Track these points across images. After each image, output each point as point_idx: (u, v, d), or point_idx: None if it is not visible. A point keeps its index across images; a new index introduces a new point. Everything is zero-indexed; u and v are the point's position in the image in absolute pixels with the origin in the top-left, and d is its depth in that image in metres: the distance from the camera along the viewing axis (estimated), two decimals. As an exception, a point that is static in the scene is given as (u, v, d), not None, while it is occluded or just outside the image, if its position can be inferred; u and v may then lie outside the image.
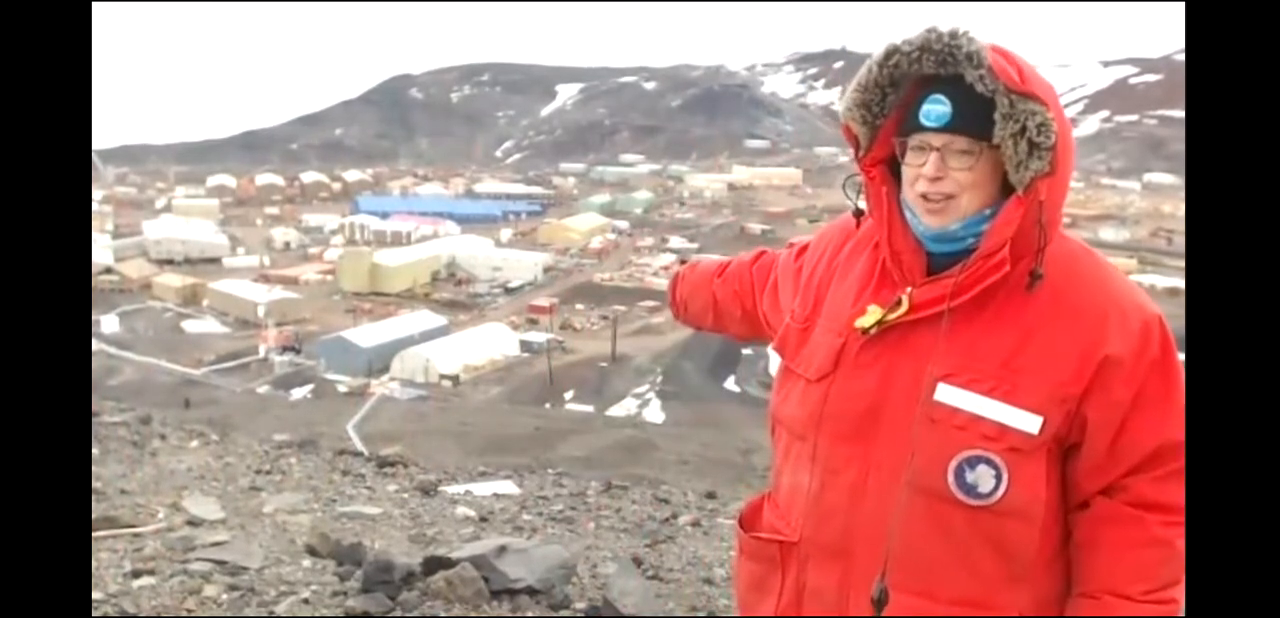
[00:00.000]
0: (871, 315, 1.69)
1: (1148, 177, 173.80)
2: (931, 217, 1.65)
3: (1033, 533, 1.62)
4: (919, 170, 1.64)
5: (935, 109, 1.61)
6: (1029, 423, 1.58)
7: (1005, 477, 1.59)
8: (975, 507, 1.60)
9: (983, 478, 1.60)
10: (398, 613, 3.88)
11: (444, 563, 4.13)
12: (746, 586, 1.90)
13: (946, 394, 1.61)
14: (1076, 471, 1.65)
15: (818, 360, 1.77)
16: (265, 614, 3.90)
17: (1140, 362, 1.60)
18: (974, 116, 1.60)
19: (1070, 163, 1.63)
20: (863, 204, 1.78)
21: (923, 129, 1.63)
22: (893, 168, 1.73)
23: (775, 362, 1.91)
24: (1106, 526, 1.62)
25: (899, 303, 1.67)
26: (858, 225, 1.82)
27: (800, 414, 1.78)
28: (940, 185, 1.62)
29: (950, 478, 1.60)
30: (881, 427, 1.66)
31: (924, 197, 1.64)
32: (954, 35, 1.61)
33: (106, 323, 73.74)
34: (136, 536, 4.82)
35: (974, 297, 1.62)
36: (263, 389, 57.56)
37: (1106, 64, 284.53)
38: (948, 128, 1.61)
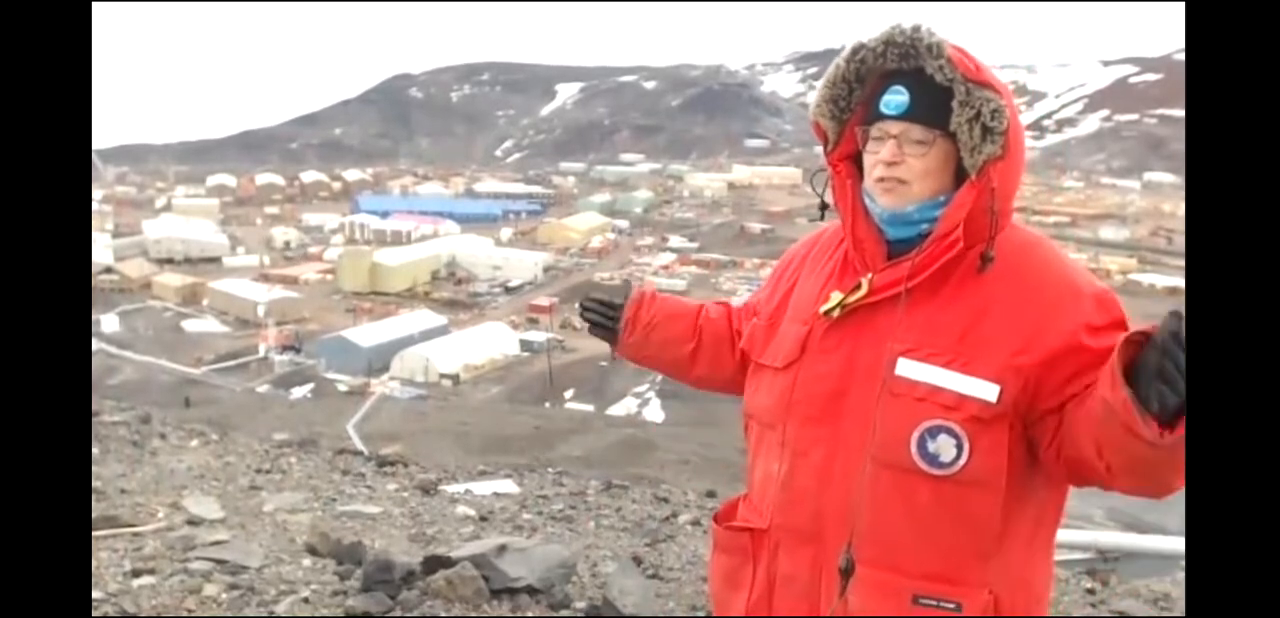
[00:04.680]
0: (833, 299, 1.77)
1: (1148, 176, 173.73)
2: (887, 196, 1.73)
3: (996, 503, 1.66)
4: (877, 157, 1.73)
5: (894, 99, 1.72)
6: (987, 392, 1.63)
7: (966, 446, 1.64)
8: (939, 477, 1.65)
9: (944, 448, 1.65)
10: (398, 613, 3.88)
11: (444, 562, 4.13)
12: (720, 581, 1.93)
13: (906, 368, 1.67)
14: (1049, 425, 1.65)
15: (785, 349, 1.84)
16: (265, 614, 3.89)
17: (1101, 328, 1.65)
18: (930, 107, 1.70)
19: (1021, 154, 1.72)
20: (829, 198, 1.86)
21: (882, 117, 1.72)
22: (857, 164, 1.82)
23: None
24: (1089, 396, 1.58)
25: (859, 286, 1.75)
26: (822, 216, 1.90)
27: (769, 402, 1.84)
28: (895, 170, 1.72)
29: (913, 449, 1.66)
30: (847, 407, 1.72)
31: (880, 180, 1.73)
32: (916, 30, 1.71)
33: (106, 323, 73.65)
34: (136, 535, 4.82)
35: (931, 279, 1.70)
36: (263, 389, 57.50)
37: (1106, 64, 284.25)
38: (905, 116, 1.71)
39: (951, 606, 1.65)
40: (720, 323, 2.22)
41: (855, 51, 1.76)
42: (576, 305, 2.34)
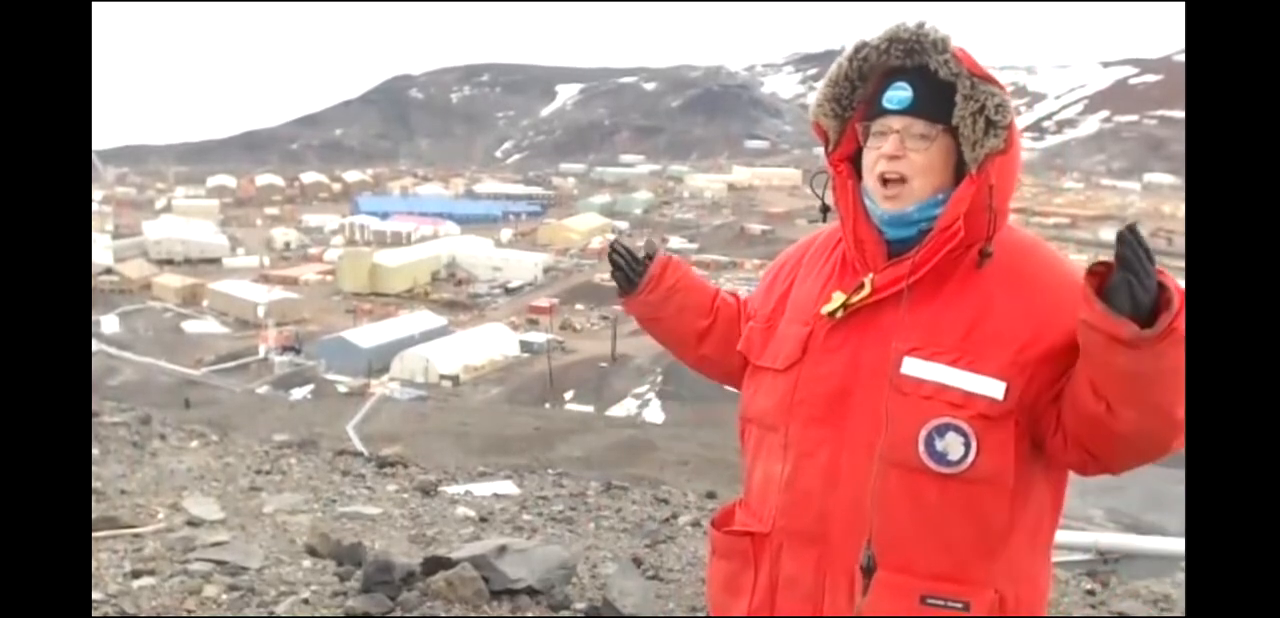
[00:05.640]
0: (836, 300, 1.76)
1: (1148, 177, 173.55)
2: (888, 202, 1.73)
3: (1003, 500, 1.66)
4: (879, 153, 1.73)
5: (897, 94, 1.72)
6: (993, 389, 1.64)
7: (974, 444, 1.64)
8: (946, 475, 1.65)
9: (952, 446, 1.65)
10: (398, 613, 3.88)
11: (444, 563, 4.13)
12: (719, 586, 1.91)
13: (912, 367, 1.67)
14: (1052, 413, 1.66)
15: (785, 351, 1.83)
16: (265, 614, 3.90)
17: None
18: (933, 102, 1.70)
19: (1019, 155, 1.73)
20: (829, 200, 1.85)
21: (885, 112, 1.73)
22: (857, 165, 1.82)
23: None
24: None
25: (862, 286, 1.75)
26: (825, 218, 1.89)
27: (770, 404, 1.83)
28: (897, 165, 1.72)
29: (921, 447, 1.65)
30: (852, 406, 1.71)
31: (882, 179, 1.73)
32: (920, 26, 1.72)
33: (106, 323, 73.60)
34: (136, 536, 4.82)
35: (933, 278, 1.70)
36: (263, 389, 57.48)
37: (1106, 64, 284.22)
38: (908, 111, 1.71)
39: (959, 605, 1.65)
40: (734, 308, 2.19)
41: (858, 49, 1.77)
42: (604, 258, 2.22)
